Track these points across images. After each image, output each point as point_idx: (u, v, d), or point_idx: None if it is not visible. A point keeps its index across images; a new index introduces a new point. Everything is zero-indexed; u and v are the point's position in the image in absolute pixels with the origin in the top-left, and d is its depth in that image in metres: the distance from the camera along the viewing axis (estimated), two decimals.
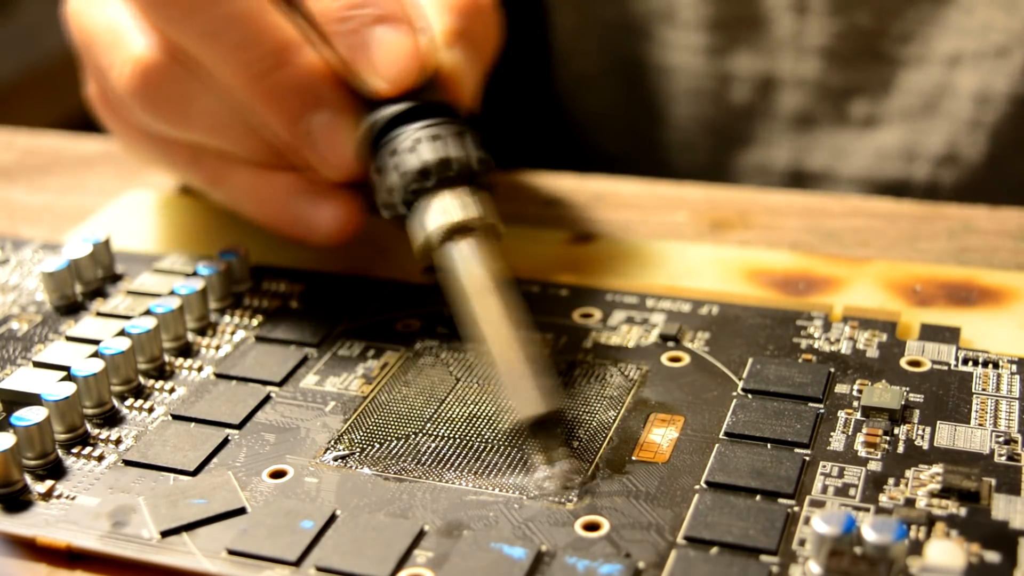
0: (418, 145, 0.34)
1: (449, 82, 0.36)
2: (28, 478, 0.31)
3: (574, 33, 0.59)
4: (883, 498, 0.29)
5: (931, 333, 0.35)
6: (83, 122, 0.54)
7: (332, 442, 0.32)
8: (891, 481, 0.29)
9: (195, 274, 0.38)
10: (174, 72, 0.37)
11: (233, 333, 0.37)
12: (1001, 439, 0.30)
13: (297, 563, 0.28)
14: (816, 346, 0.35)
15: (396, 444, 0.32)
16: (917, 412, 0.31)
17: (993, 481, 0.29)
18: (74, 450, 0.32)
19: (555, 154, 0.62)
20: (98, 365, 0.33)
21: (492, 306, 0.32)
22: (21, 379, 0.34)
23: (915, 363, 0.33)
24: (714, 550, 0.27)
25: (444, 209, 0.33)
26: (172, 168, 0.41)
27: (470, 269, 0.32)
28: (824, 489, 0.29)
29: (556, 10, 0.59)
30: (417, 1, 0.38)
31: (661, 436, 0.31)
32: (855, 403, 0.32)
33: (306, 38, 0.36)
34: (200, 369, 0.35)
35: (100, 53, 0.39)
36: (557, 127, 0.62)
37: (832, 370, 0.33)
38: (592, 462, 0.30)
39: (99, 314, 0.37)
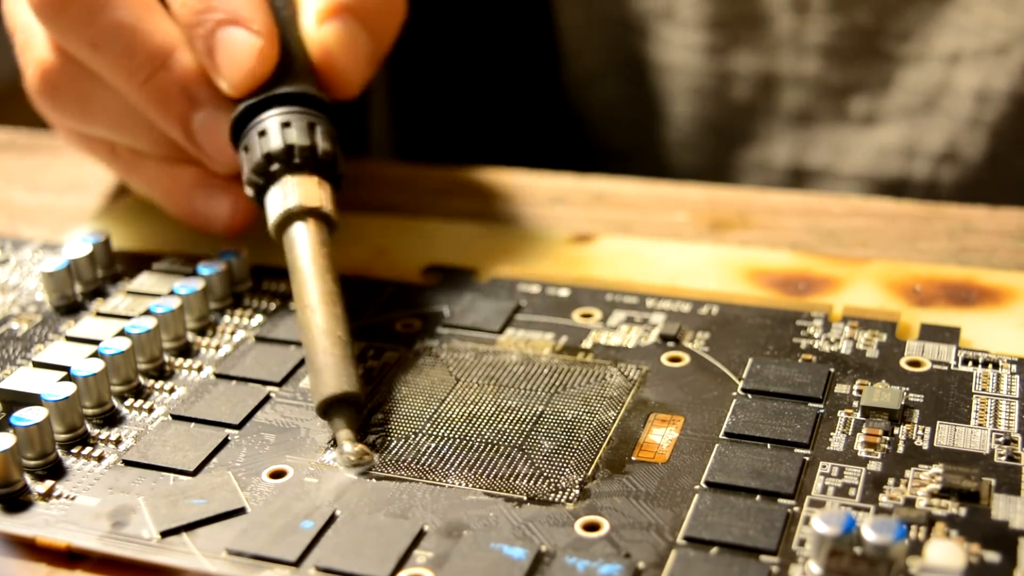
0: (265, 134, 0.36)
1: (319, 62, 0.38)
2: (28, 478, 0.31)
3: (579, 31, 0.59)
4: (883, 498, 0.29)
5: (931, 333, 0.35)
6: None
7: (332, 442, 0.32)
8: (891, 481, 0.29)
9: (195, 274, 0.38)
10: (72, 73, 0.39)
11: (233, 333, 0.37)
12: (1001, 439, 0.30)
13: (297, 563, 0.28)
14: (816, 346, 0.35)
15: (396, 444, 0.32)
16: (917, 412, 0.31)
17: (993, 481, 0.29)
18: (74, 450, 0.32)
19: (562, 150, 0.62)
20: (98, 365, 0.33)
21: (311, 289, 0.33)
22: (21, 379, 0.34)
23: (915, 363, 0.33)
24: (714, 550, 0.27)
25: (284, 194, 0.35)
26: (95, 160, 0.43)
27: (300, 252, 0.34)
28: (824, 489, 0.29)
29: (562, 8, 0.59)
30: None
31: (661, 436, 0.31)
32: (855, 403, 0.32)
33: (185, 41, 0.38)
34: (200, 369, 0.35)
35: (17, 51, 0.41)
36: (565, 123, 0.62)
37: (832, 370, 0.33)
38: (592, 462, 0.30)
39: (99, 314, 0.37)
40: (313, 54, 0.38)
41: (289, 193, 0.35)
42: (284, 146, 0.35)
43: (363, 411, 0.32)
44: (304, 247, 0.34)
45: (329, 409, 0.31)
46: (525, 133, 0.64)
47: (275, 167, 0.35)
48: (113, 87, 0.38)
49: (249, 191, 0.36)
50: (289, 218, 0.35)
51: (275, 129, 0.36)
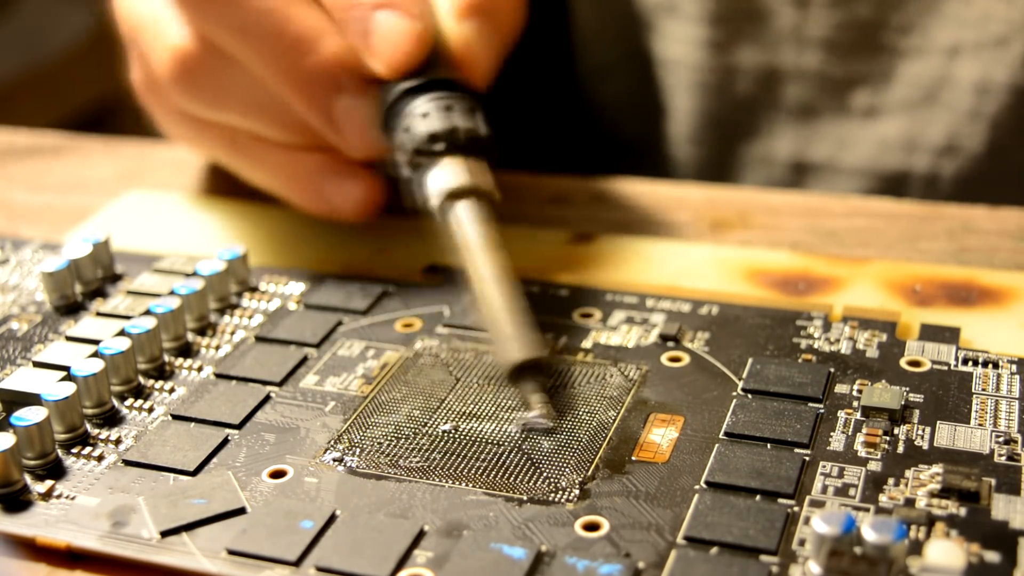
0: (429, 114, 0.36)
1: (459, 57, 0.39)
2: (28, 478, 0.31)
3: (591, 24, 0.60)
4: (883, 498, 0.29)
5: (931, 333, 0.35)
6: (83, 122, 0.54)
7: (332, 442, 0.32)
8: (891, 481, 0.29)
9: (195, 274, 0.38)
10: (209, 60, 0.39)
11: (233, 333, 0.37)
12: (1001, 439, 0.30)
13: (297, 563, 0.28)
14: (816, 346, 0.35)
15: (396, 444, 0.32)
16: (917, 412, 0.31)
17: (993, 481, 0.29)
18: (74, 450, 0.32)
19: (578, 142, 0.62)
20: (98, 365, 0.33)
21: (485, 263, 0.34)
22: (21, 379, 0.34)
23: (915, 363, 0.33)
24: (714, 550, 0.27)
25: (450, 173, 0.36)
26: (209, 149, 0.44)
27: (468, 229, 0.35)
28: (824, 489, 0.29)
29: (575, 1, 0.60)
30: None
31: (661, 436, 0.31)
32: (855, 403, 0.32)
33: (331, 27, 0.38)
34: (200, 369, 0.35)
35: (144, 41, 0.41)
36: (580, 115, 0.62)
37: (832, 370, 0.33)
38: (592, 462, 0.30)
39: (99, 314, 0.37)
40: (453, 48, 0.39)
41: (456, 173, 0.36)
42: (449, 127, 0.36)
43: (549, 374, 0.34)
44: (476, 224, 0.35)
45: (517, 374, 0.32)
46: (540, 127, 0.64)
47: (439, 147, 0.36)
48: (254, 72, 0.39)
49: (406, 171, 0.37)
50: (455, 196, 0.35)
51: (438, 111, 0.36)
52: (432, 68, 0.37)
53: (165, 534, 0.29)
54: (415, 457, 0.31)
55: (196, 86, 0.40)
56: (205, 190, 0.46)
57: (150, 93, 0.44)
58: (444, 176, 0.36)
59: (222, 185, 0.46)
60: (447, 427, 0.32)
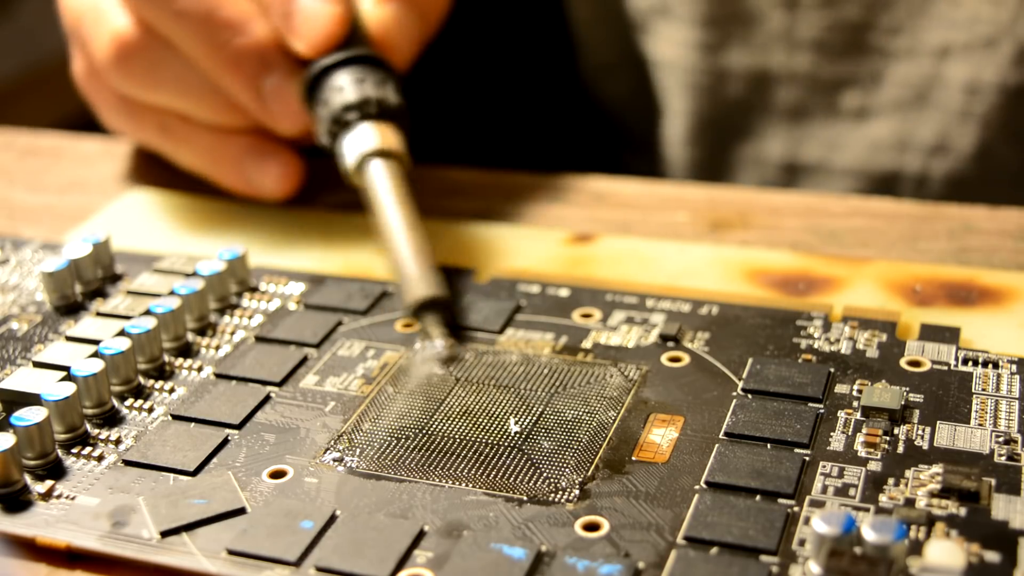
0: (343, 87, 0.40)
1: (377, 38, 0.42)
2: (28, 478, 0.31)
3: (589, 25, 0.60)
4: (883, 498, 0.29)
5: (931, 333, 0.35)
6: (83, 122, 0.54)
7: (332, 442, 0.32)
8: (891, 481, 0.29)
9: (195, 274, 0.38)
10: (147, 44, 0.42)
11: (233, 333, 0.37)
12: (1001, 439, 0.30)
13: (297, 563, 0.28)
14: (816, 346, 0.35)
15: (396, 444, 0.32)
16: (917, 412, 0.31)
17: (993, 481, 0.29)
18: (74, 450, 0.32)
19: (582, 138, 0.63)
20: (98, 365, 0.33)
21: (393, 213, 0.37)
22: (21, 379, 0.34)
23: (915, 363, 0.33)
24: (714, 550, 0.27)
25: (362, 137, 0.39)
26: (143, 133, 0.46)
27: (378, 184, 0.38)
28: (824, 489, 0.29)
29: (574, 2, 0.60)
30: None
31: (661, 436, 0.31)
32: (855, 403, 0.32)
33: (260, 11, 0.41)
34: (200, 369, 0.35)
35: (85, 30, 0.44)
36: (584, 113, 0.63)
37: (832, 370, 0.33)
38: (592, 462, 0.30)
39: (99, 314, 0.37)
40: (371, 30, 0.42)
41: (367, 137, 0.39)
42: (361, 97, 0.39)
43: (452, 313, 0.36)
44: (384, 180, 0.38)
45: (420, 310, 0.35)
46: (544, 123, 0.65)
47: (352, 116, 0.39)
48: (189, 54, 0.42)
49: (326, 139, 0.40)
50: (367, 158, 0.39)
51: (352, 83, 0.40)
52: (350, 47, 0.40)
53: (165, 534, 0.29)
54: (415, 457, 0.31)
55: (134, 69, 0.43)
56: (205, 190, 0.46)
57: (90, 82, 0.46)
58: (357, 140, 0.39)
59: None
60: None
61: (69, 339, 0.36)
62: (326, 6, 0.40)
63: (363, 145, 0.39)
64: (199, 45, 0.41)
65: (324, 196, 0.45)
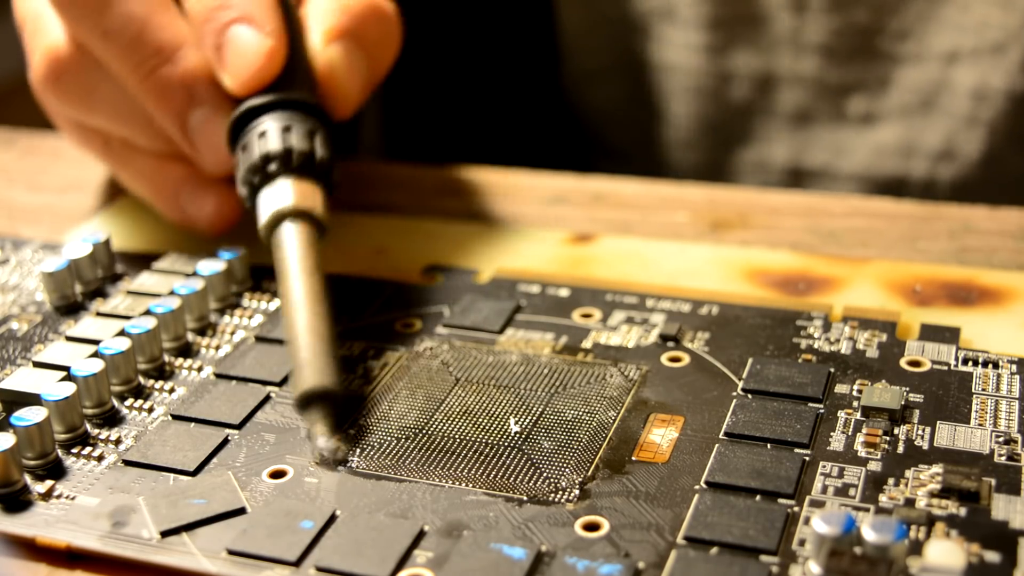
0: (266, 133, 0.36)
1: (322, 79, 0.38)
2: (28, 478, 0.31)
3: (580, 29, 0.60)
4: (883, 498, 0.29)
5: (931, 333, 0.35)
6: None
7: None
8: (891, 481, 0.29)
9: (195, 274, 0.38)
10: (80, 63, 0.39)
11: (233, 333, 0.37)
12: (1001, 439, 0.30)
13: (297, 563, 0.28)
14: (816, 346, 0.35)
15: (396, 444, 0.32)
16: (917, 412, 0.31)
17: (993, 481, 0.29)
18: (74, 450, 0.32)
19: (561, 149, 0.62)
20: (98, 365, 0.33)
21: (297, 287, 0.33)
22: (21, 379, 0.34)
23: (915, 363, 0.33)
24: (714, 550, 0.27)
25: (279, 194, 0.35)
26: (89, 151, 0.44)
27: (290, 251, 0.34)
28: (824, 489, 0.29)
29: (563, 6, 0.59)
30: (311, 2, 0.39)
31: (661, 436, 0.31)
32: (855, 403, 0.32)
33: (194, 38, 0.38)
34: (200, 369, 0.35)
35: (25, 39, 0.42)
36: (563, 122, 0.62)
37: (832, 370, 0.33)
38: (592, 462, 0.30)
39: (99, 314, 0.37)
40: (318, 71, 0.38)
41: (284, 194, 0.35)
42: (283, 149, 0.35)
43: (341, 406, 0.31)
44: (293, 246, 0.34)
45: (307, 404, 0.31)
46: (523, 132, 0.64)
47: (272, 168, 0.35)
48: (117, 78, 0.39)
49: (243, 190, 0.36)
50: (281, 218, 0.35)
51: (275, 131, 0.36)
52: (283, 87, 0.37)
53: (165, 534, 0.29)
54: (415, 457, 0.31)
55: (64, 87, 0.40)
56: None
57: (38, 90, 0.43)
58: (273, 197, 0.35)
59: None
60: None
61: (69, 339, 0.36)
62: (261, 40, 0.37)
63: (278, 203, 0.35)
64: (127, 70, 0.38)
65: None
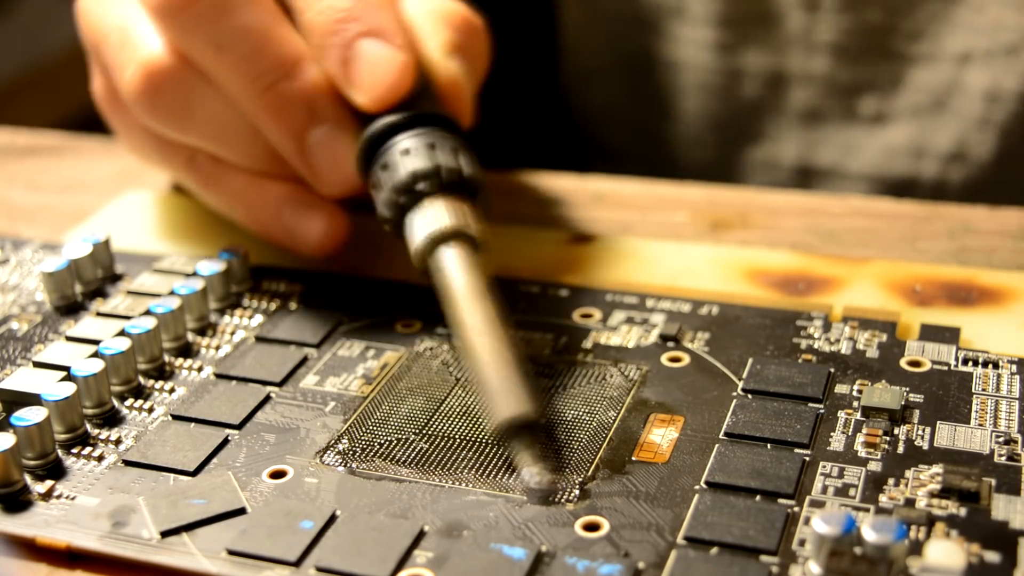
0: (410, 151, 0.34)
1: (447, 93, 0.37)
2: (28, 478, 0.31)
3: (581, 27, 0.59)
4: (883, 498, 0.29)
5: (931, 333, 0.35)
6: (83, 122, 0.54)
7: (332, 442, 0.32)
8: (891, 481, 0.29)
9: (195, 274, 0.38)
10: (181, 77, 0.37)
11: (233, 333, 0.37)
12: (1001, 439, 0.30)
13: (297, 563, 0.28)
14: (816, 346, 0.35)
15: (396, 444, 0.32)
16: (917, 412, 0.31)
17: (993, 481, 0.29)
18: (74, 450, 0.32)
19: (559, 148, 0.62)
20: (98, 365, 0.33)
21: (476, 311, 0.32)
22: (21, 379, 0.34)
23: (915, 363, 0.33)
24: (714, 550, 0.27)
25: (434, 216, 0.34)
26: (169, 168, 0.42)
27: (456, 275, 0.33)
28: (824, 489, 0.29)
29: (564, 4, 0.59)
30: (414, 16, 0.38)
31: (661, 436, 0.31)
32: (855, 403, 0.32)
33: (313, 54, 0.36)
34: (200, 369, 0.35)
35: (109, 52, 0.39)
36: (562, 121, 0.62)
37: (832, 370, 0.33)
38: (592, 462, 0.30)
39: (99, 314, 0.37)
40: (441, 85, 0.37)
41: (439, 215, 0.33)
42: (432, 166, 0.34)
43: (540, 431, 0.30)
44: (458, 270, 0.33)
45: (509, 433, 0.30)
46: (526, 133, 0.64)
47: (421, 187, 0.34)
48: (228, 92, 0.37)
49: (386, 211, 0.35)
50: (438, 241, 0.33)
51: (422, 149, 0.34)
52: (416, 103, 0.36)
53: (165, 534, 0.29)
54: (415, 457, 0.31)
55: (162, 104, 0.38)
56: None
57: (112, 106, 0.42)
58: (427, 219, 0.34)
59: None
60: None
61: (69, 339, 0.36)
62: (394, 54, 0.35)
63: (434, 224, 0.33)
64: (243, 85, 0.36)
65: None
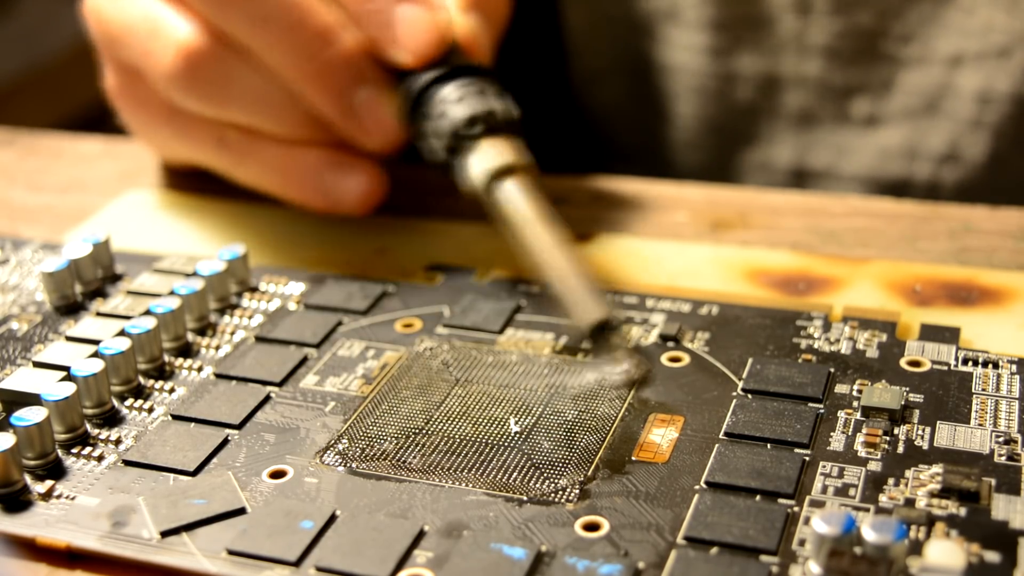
0: (464, 98, 0.38)
1: (466, 47, 0.40)
2: (28, 478, 0.31)
3: (584, 30, 0.60)
4: (883, 498, 0.29)
5: (931, 333, 0.35)
6: (83, 122, 0.54)
7: (332, 442, 0.32)
8: (891, 481, 0.29)
9: (195, 274, 0.38)
10: (218, 55, 0.40)
11: (233, 333, 0.37)
12: (1001, 439, 0.30)
13: (297, 563, 0.28)
14: (816, 346, 0.35)
15: (396, 444, 0.32)
16: (917, 412, 0.31)
17: (993, 481, 0.29)
18: (74, 450, 0.32)
19: (570, 147, 0.62)
20: (98, 365, 0.33)
21: (542, 233, 0.35)
22: (21, 379, 0.34)
23: (915, 363, 0.33)
24: (714, 550, 0.27)
25: (493, 153, 0.37)
26: (196, 151, 0.43)
27: (521, 204, 0.36)
28: (824, 489, 0.29)
29: (568, 7, 0.60)
30: None
31: (661, 436, 0.31)
32: (855, 403, 0.32)
33: (348, 21, 0.39)
34: (200, 369, 0.35)
35: (135, 43, 0.41)
36: (572, 120, 0.62)
37: (832, 370, 0.33)
38: (592, 462, 0.30)
39: (99, 314, 0.37)
40: (460, 39, 0.40)
41: (499, 152, 0.37)
42: (487, 109, 0.37)
43: (619, 331, 0.34)
44: (525, 199, 0.36)
45: (597, 334, 0.33)
46: (532, 131, 0.64)
47: (477, 129, 0.37)
48: (270, 64, 0.39)
49: (441, 155, 0.38)
50: (500, 174, 0.36)
51: (474, 95, 0.38)
52: (448, 58, 0.39)
53: (165, 534, 0.29)
54: (415, 457, 0.31)
55: (203, 82, 0.40)
56: (205, 190, 0.46)
57: (129, 97, 0.44)
58: (487, 157, 0.37)
59: (220, 185, 0.46)
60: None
61: (69, 339, 0.36)
62: (429, 15, 0.38)
63: (492, 162, 0.37)
64: (285, 56, 0.39)
65: None
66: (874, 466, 0.30)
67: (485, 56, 0.40)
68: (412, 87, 0.38)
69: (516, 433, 0.32)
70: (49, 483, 0.31)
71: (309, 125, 0.40)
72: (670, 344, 0.35)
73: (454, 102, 0.37)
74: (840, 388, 0.33)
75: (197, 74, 0.40)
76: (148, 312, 0.36)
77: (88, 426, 0.33)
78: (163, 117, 0.43)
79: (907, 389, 0.32)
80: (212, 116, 0.41)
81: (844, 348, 0.34)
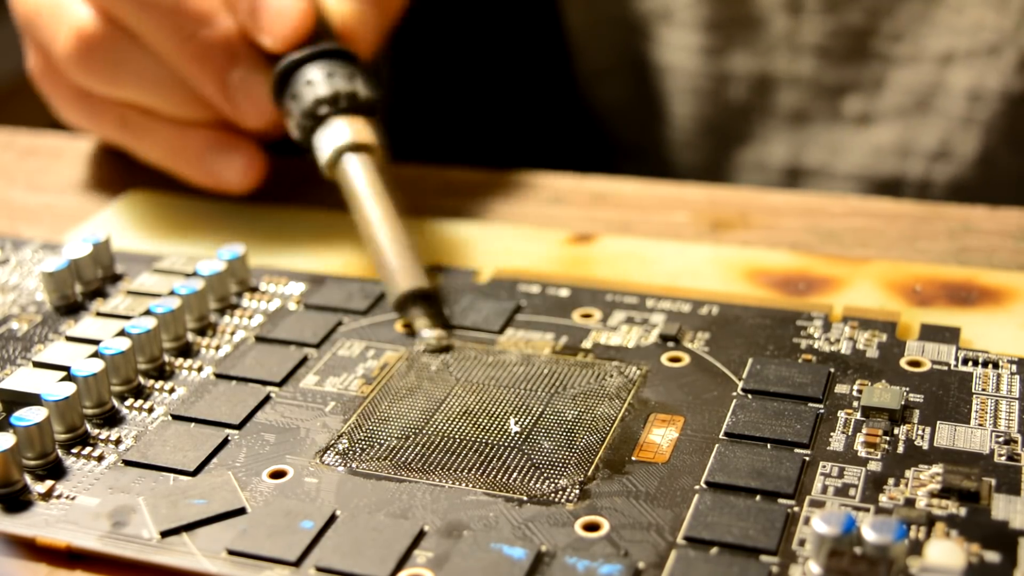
0: (313, 81, 0.40)
1: (343, 32, 0.42)
2: (28, 478, 0.31)
3: (584, 30, 0.60)
4: (883, 498, 0.29)
5: (931, 333, 0.35)
6: None
7: (332, 442, 0.32)
8: (891, 481, 0.29)
9: (195, 274, 0.38)
10: (109, 37, 0.42)
11: (233, 333, 0.37)
12: (1001, 439, 0.30)
13: (297, 563, 0.28)
14: (816, 346, 0.35)
15: (396, 444, 0.32)
16: (917, 412, 0.31)
17: (993, 481, 0.29)
18: (74, 450, 0.32)
19: (574, 145, 0.63)
20: (98, 365, 0.33)
21: (374, 206, 0.38)
22: (21, 379, 0.34)
23: (915, 363, 0.33)
24: (714, 550, 0.27)
25: (335, 132, 0.39)
26: (102, 128, 0.46)
27: (358, 179, 0.38)
28: (824, 489, 0.29)
29: (567, 7, 0.60)
30: None
31: (661, 436, 0.31)
32: (855, 403, 0.32)
33: (225, 5, 0.41)
34: (200, 369, 0.35)
35: (43, 25, 0.44)
36: (577, 118, 0.63)
37: (832, 370, 0.33)
38: (592, 462, 0.30)
39: (99, 314, 0.37)
40: (335, 25, 0.42)
41: (339, 132, 0.39)
42: (332, 92, 0.40)
43: (438, 302, 0.37)
44: (359, 175, 0.38)
45: (404, 304, 0.36)
46: (537, 130, 0.64)
47: (323, 110, 0.39)
48: (153, 46, 0.42)
49: (297, 134, 0.40)
50: (340, 153, 0.39)
51: (322, 78, 0.40)
52: (316, 41, 0.41)
53: (165, 534, 0.29)
54: (415, 457, 0.31)
55: (96, 62, 0.43)
56: (205, 190, 0.46)
57: (46, 78, 0.46)
58: (330, 136, 0.39)
59: None
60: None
61: (69, 339, 0.36)
62: (292, 2, 0.40)
63: (337, 140, 0.39)
64: (166, 37, 0.41)
65: (323, 196, 0.45)
66: (874, 466, 0.30)
67: (363, 42, 0.43)
68: (275, 70, 0.41)
69: (516, 433, 0.32)
70: (49, 483, 0.31)
71: (197, 106, 0.43)
72: (670, 344, 0.35)
73: (305, 84, 0.40)
74: (840, 388, 0.33)
75: (92, 55, 0.42)
76: (148, 312, 0.36)
77: (88, 426, 0.33)
78: (73, 97, 0.45)
79: (907, 389, 0.32)
80: (110, 96, 0.44)
81: (844, 348, 0.34)
